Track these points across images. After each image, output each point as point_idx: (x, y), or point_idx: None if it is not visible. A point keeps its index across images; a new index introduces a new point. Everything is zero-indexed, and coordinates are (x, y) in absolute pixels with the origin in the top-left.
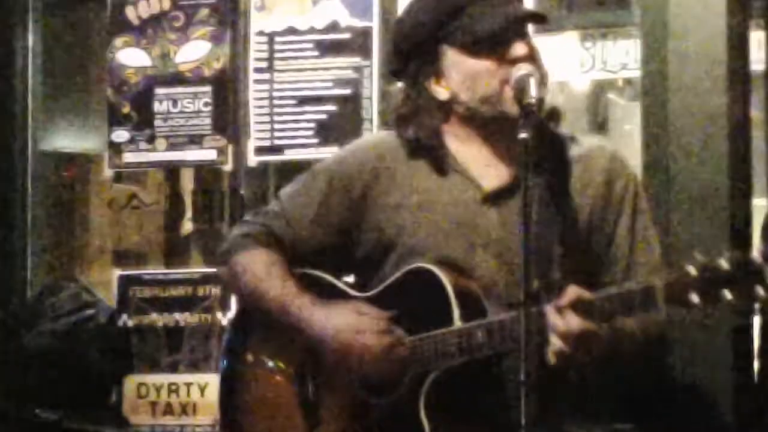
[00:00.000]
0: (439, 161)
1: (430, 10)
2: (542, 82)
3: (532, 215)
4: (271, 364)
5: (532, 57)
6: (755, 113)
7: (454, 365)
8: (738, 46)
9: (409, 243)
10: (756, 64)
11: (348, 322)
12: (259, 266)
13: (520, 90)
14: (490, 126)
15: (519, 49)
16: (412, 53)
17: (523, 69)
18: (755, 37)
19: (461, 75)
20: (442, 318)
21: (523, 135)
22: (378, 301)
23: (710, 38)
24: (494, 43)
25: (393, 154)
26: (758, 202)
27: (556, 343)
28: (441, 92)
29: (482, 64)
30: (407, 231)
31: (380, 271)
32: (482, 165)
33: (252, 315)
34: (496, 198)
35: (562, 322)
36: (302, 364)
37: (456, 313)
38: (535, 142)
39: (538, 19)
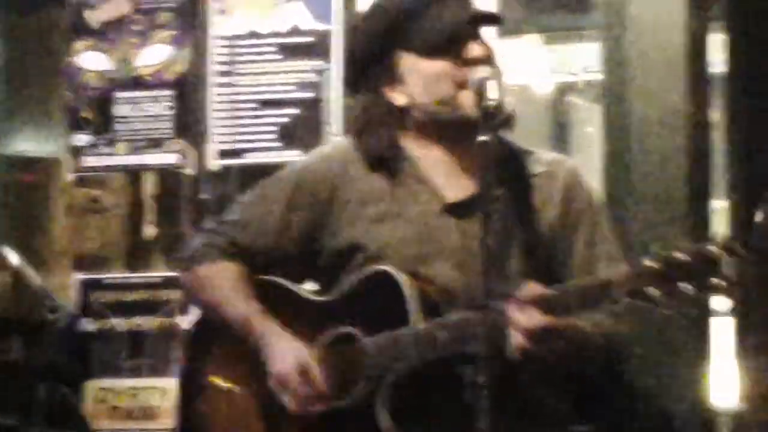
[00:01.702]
0: (398, 172)
1: (383, 18)
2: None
3: (492, 222)
4: (229, 369)
5: (487, 58)
6: (714, 115)
7: (411, 367)
8: (697, 49)
9: (370, 252)
10: (715, 67)
11: (294, 367)
12: (223, 282)
13: (479, 93)
14: (450, 131)
15: (474, 50)
16: (369, 62)
17: (481, 72)
18: (714, 39)
19: (418, 79)
20: (400, 320)
21: (482, 138)
22: (337, 305)
23: (670, 41)
24: (449, 45)
25: (356, 162)
26: (717, 204)
27: (517, 338)
28: (398, 98)
29: (438, 66)
30: (368, 240)
31: (341, 279)
32: (445, 174)
33: (211, 322)
34: (457, 209)
35: (523, 317)
36: (261, 370)
37: (414, 315)
38: (495, 153)
39: (493, 20)
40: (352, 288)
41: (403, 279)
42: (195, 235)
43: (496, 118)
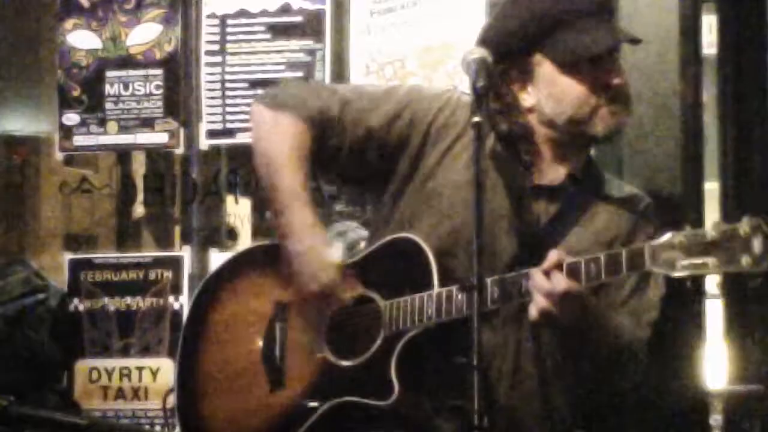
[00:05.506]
0: (522, 157)
1: (526, 21)
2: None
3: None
4: (235, 325)
5: (624, 85)
6: (707, 97)
7: (428, 327)
8: (690, 30)
9: (431, 202)
10: (707, 48)
11: (317, 255)
12: (290, 145)
13: (473, 73)
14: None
15: (616, 79)
16: (504, 56)
17: (475, 53)
18: (707, 20)
19: (552, 90)
20: (422, 284)
21: (475, 119)
22: (361, 266)
23: (662, 22)
24: (590, 65)
25: (459, 111)
26: (710, 186)
27: (540, 301)
28: (527, 99)
29: (577, 88)
30: (433, 192)
31: (395, 208)
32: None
33: (218, 277)
34: (537, 193)
35: (548, 281)
36: (269, 323)
37: (436, 278)
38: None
39: (634, 43)
40: (376, 251)
41: (426, 246)
42: (295, 82)
43: (487, 98)
